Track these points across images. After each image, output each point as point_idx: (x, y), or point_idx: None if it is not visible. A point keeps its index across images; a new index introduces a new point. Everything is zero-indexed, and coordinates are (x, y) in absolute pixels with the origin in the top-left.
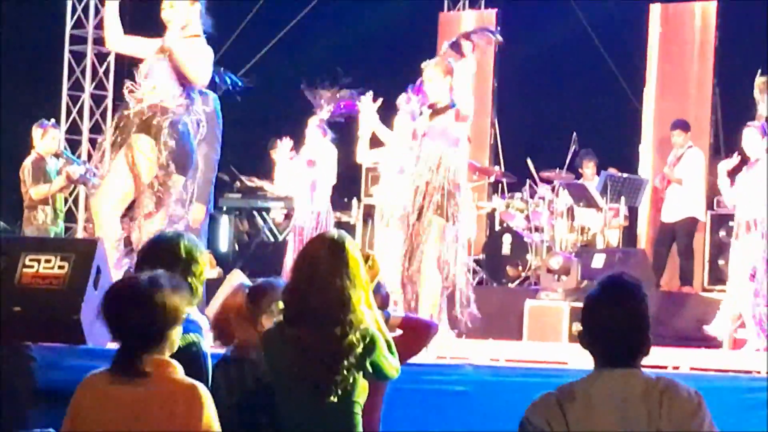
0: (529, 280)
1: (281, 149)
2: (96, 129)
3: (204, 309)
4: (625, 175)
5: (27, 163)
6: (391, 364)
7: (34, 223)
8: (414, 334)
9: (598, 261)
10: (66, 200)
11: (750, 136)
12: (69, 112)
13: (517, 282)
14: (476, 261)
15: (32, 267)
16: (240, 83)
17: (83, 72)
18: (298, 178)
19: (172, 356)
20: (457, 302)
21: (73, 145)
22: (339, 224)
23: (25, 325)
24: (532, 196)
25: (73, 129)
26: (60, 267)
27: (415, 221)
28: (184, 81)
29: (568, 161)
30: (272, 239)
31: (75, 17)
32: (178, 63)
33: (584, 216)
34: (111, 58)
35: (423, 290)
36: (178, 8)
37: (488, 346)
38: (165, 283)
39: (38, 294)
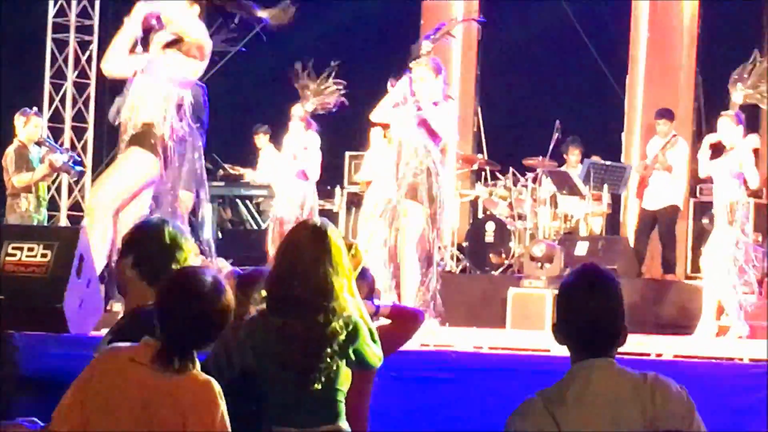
0: (512, 267)
1: (262, 138)
2: (78, 117)
3: None
4: (608, 162)
5: (9, 151)
6: (374, 352)
7: (17, 210)
8: (402, 323)
9: (581, 249)
10: (49, 188)
11: (725, 125)
12: (51, 100)
13: (500, 270)
14: (459, 249)
15: (15, 255)
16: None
17: (66, 60)
18: (281, 167)
19: None
20: (430, 289)
21: (56, 133)
22: (322, 212)
23: (7, 313)
24: (515, 184)
25: (56, 117)
26: (43, 255)
27: (395, 208)
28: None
29: (551, 149)
30: (255, 227)
31: (57, 5)
32: (177, 27)
33: (567, 204)
34: (94, 47)
35: (402, 276)
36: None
37: (471, 334)
38: (225, 285)
39: (21, 282)
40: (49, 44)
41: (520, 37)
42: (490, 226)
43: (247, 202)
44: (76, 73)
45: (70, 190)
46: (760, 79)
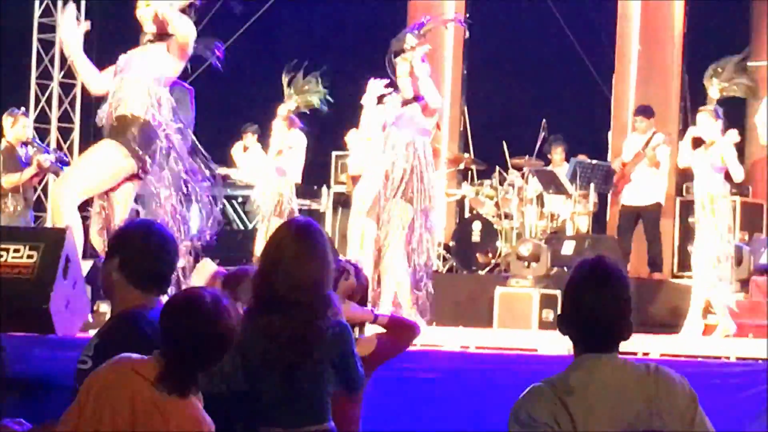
0: (499, 267)
1: (250, 138)
2: (65, 117)
3: None
4: (594, 161)
5: None
6: (358, 367)
7: (5, 211)
8: (399, 333)
9: (567, 248)
10: (35, 189)
11: (703, 120)
12: (38, 101)
13: (487, 269)
14: (446, 248)
15: (1, 256)
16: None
17: (52, 60)
18: (265, 167)
19: None
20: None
21: (42, 133)
22: (309, 212)
23: None
24: (501, 183)
25: (42, 117)
26: (29, 256)
27: (383, 207)
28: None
29: (537, 148)
30: (242, 227)
31: (43, 5)
32: (164, 17)
33: (554, 203)
34: None
35: (390, 276)
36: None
37: (458, 333)
38: (228, 307)
39: (7, 283)
40: (35, 44)
41: (507, 37)
42: (476, 226)
43: (234, 202)
44: (62, 73)
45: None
46: (734, 71)
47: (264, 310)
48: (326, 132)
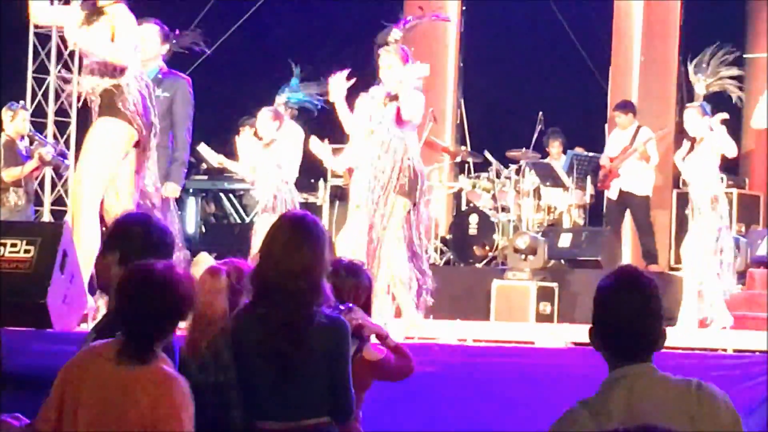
0: (496, 260)
1: (248, 131)
2: (61, 112)
3: None
4: (590, 154)
5: None
6: (349, 378)
7: (6, 205)
8: (400, 360)
9: (564, 240)
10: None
11: (691, 117)
12: (34, 95)
13: (484, 262)
14: (443, 241)
15: None
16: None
17: (48, 54)
18: (262, 160)
19: None
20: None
21: (39, 127)
22: (306, 205)
23: None
24: (498, 176)
25: (39, 111)
26: (26, 251)
27: (377, 203)
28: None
29: (534, 141)
30: (239, 221)
31: None
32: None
33: (550, 195)
34: None
35: (386, 270)
36: None
37: (456, 326)
38: (182, 273)
39: (4, 278)
40: (31, 38)
41: (503, 29)
42: (473, 219)
43: (231, 195)
44: (59, 67)
45: (53, 185)
46: (719, 65)
47: (261, 301)
48: (322, 126)
